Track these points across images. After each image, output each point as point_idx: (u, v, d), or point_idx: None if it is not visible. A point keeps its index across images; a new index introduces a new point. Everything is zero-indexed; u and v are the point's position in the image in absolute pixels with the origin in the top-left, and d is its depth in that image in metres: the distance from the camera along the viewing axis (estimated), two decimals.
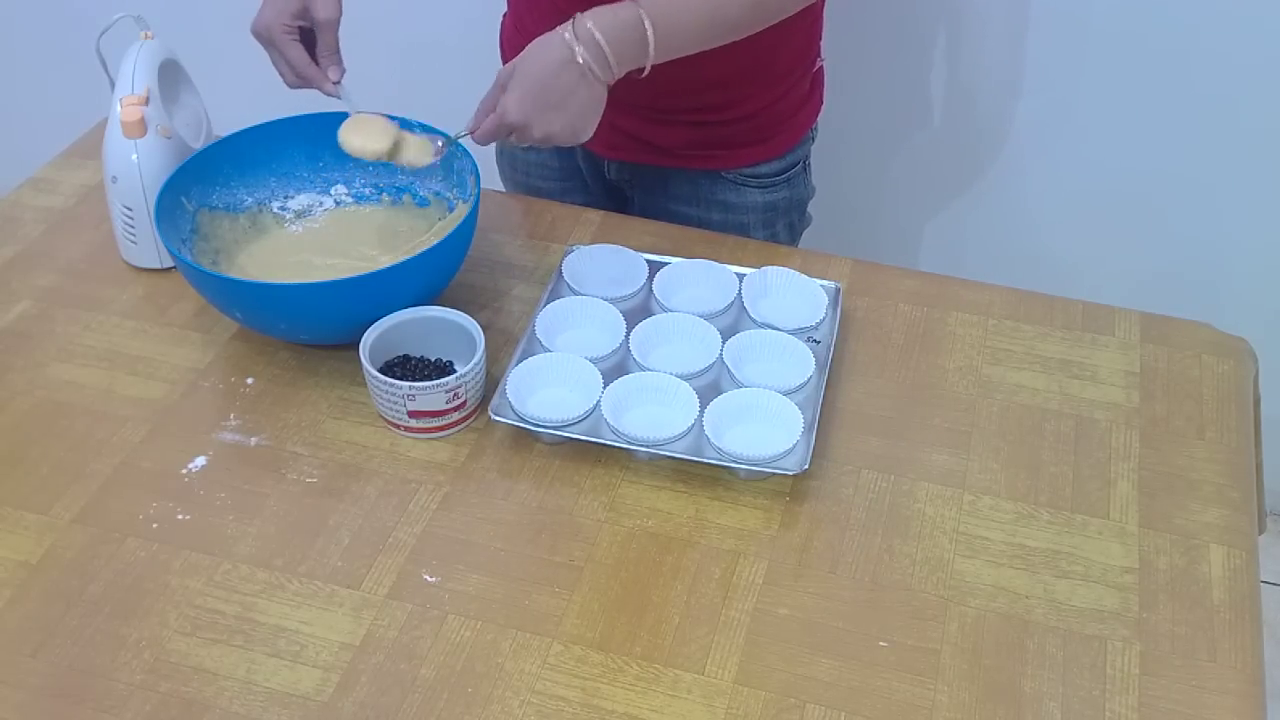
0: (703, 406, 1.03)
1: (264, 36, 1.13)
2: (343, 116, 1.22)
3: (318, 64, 1.15)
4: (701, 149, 1.30)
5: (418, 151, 1.13)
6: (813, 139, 1.38)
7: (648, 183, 1.32)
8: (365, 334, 1.06)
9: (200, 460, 1.04)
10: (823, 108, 1.38)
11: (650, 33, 1.02)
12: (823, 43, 1.33)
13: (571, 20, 1.03)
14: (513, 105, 1.03)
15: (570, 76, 1.03)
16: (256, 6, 1.13)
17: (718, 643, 0.91)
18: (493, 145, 1.17)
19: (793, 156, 1.34)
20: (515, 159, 1.45)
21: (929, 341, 1.17)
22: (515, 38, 1.35)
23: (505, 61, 1.39)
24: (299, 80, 1.15)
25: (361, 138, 1.12)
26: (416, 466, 1.04)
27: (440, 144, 1.14)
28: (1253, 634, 0.92)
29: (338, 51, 1.15)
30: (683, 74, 1.10)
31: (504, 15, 1.39)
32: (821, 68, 1.35)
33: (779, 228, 1.39)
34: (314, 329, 1.11)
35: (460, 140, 1.13)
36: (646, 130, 1.25)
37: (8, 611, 0.93)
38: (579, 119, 1.05)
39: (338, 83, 1.15)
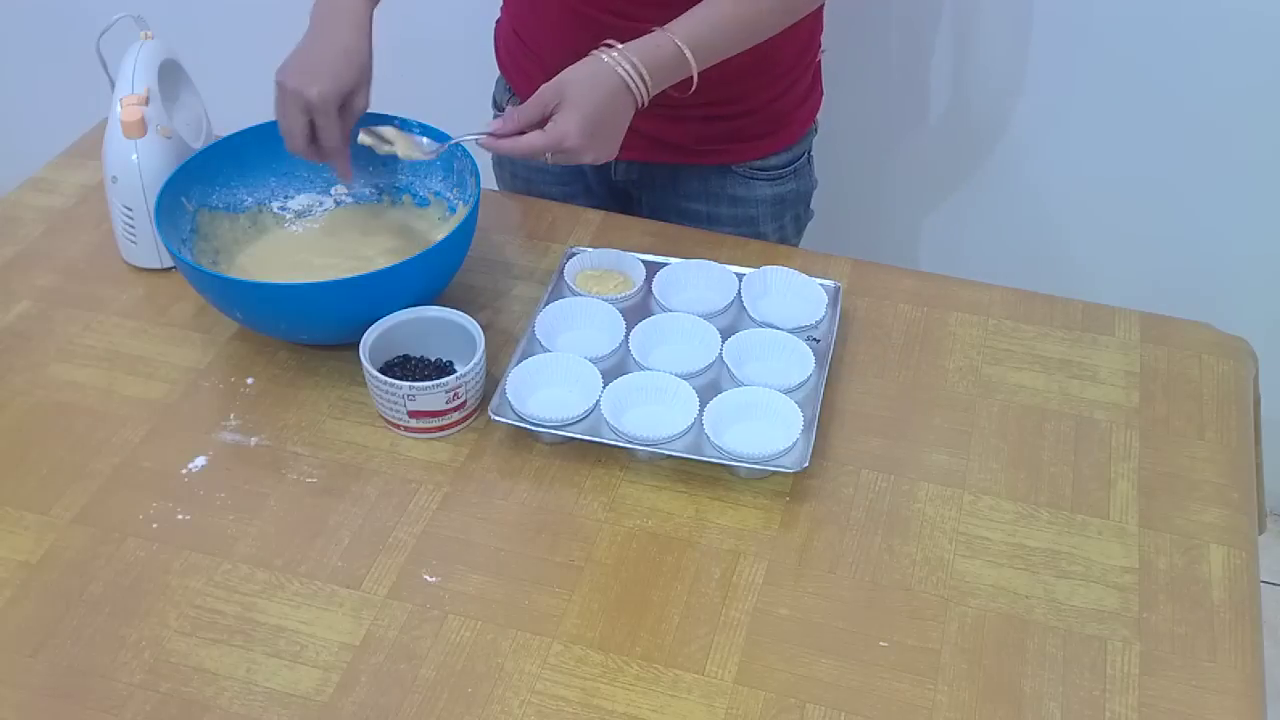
0: (702, 406, 1.03)
1: (315, 105, 1.08)
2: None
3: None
4: (713, 144, 1.31)
5: (408, 147, 1.16)
6: (815, 131, 1.40)
7: (658, 181, 1.32)
8: (365, 334, 1.06)
9: (200, 460, 1.04)
10: (822, 104, 1.39)
11: (693, 64, 1.08)
12: (822, 35, 1.34)
13: (614, 49, 1.07)
14: (574, 132, 1.04)
15: (623, 104, 1.07)
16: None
17: (718, 643, 0.91)
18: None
19: (799, 148, 1.36)
20: (515, 164, 1.45)
21: (929, 341, 1.17)
22: (511, 41, 1.35)
23: (501, 63, 1.39)
24: (312, 154, 1.12)
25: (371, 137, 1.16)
26: (416, 466, 1.04)
27: (431, 146, 1.16)
28: (1253, 634, 0.92)
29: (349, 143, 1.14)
30: None
31: (498, 20, 1.39)
32: (820, 60, 1.36)
33: (786, 220, 1.40)
34: (314, 329, 1.11)
35: (463, 142, 1.13)
36: (658, 128, 1.25)
37: (8, 611, 0.93)
38: (618, 142, 1.09)
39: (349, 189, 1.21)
